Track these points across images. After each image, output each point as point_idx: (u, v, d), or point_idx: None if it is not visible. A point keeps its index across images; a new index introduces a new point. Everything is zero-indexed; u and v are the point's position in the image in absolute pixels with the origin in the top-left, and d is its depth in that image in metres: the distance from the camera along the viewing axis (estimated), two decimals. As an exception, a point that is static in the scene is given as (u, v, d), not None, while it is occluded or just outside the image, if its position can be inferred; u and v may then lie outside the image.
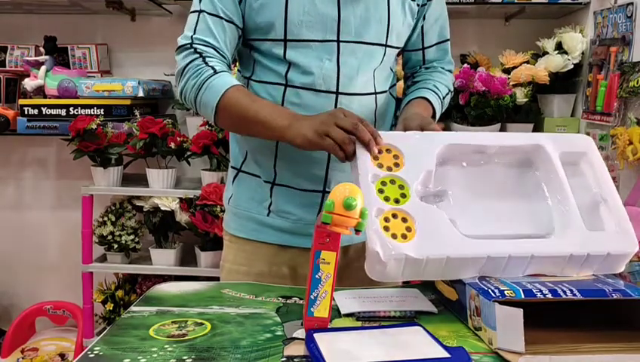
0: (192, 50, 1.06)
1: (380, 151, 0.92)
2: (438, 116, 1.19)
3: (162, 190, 2.14)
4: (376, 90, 1.13)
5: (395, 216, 0.85)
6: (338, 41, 1.07)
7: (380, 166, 0.91)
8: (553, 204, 0.90)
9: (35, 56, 2.29)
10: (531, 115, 2.18)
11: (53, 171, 2.51)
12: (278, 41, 1.07)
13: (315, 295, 0.81)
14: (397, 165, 0.91)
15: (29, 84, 2.21)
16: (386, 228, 0.84)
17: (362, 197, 0.78)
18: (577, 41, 2.07)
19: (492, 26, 2.36)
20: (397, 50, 1.17)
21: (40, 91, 2.22)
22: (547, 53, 2.13)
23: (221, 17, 1.06)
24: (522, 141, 0.96)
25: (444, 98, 1.20)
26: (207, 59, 1.05)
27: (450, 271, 0.85)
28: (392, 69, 1.20)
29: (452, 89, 1.24)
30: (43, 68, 2.19)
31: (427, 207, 0.87)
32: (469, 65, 2.14)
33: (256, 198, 1.16)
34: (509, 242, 0.85)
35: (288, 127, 0.97)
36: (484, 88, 2.04)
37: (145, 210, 2.18)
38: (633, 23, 1.79)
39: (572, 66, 2.09)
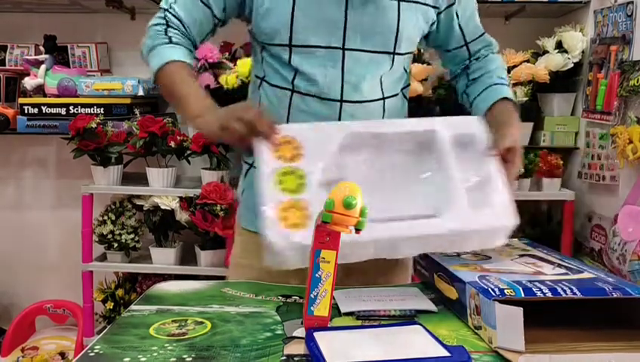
0: (163, 15, 1.10)
1: (280, 143, 0.94)
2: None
3: (162, 189, 2.13)
4: (385, 95, 1.12)
5: (293, 206, 0.88)
6: (343, 49, 1.06)
7: (280, 158, 0.93)
8: (443, 185, 0.96)
9: (35, 55, 2.29)
10: (531, 114, 2.18)
11: (53, 170, 2.51)
12: (284, 46, 1.07)
13: (315, 294, 0.81)
14: (297, 156, 0.93)
15: (28, 83, 2.21)
16: (285, 218, 0.87)
17: (362, 195, 0.78)
18: (577, 39, 2.07)
19: (492, 24, 2.33)
20: (409, 55, 1.15)
21: (40, 90, 2.22)
22: (547, 52, 2.13)
23: (201, 0, 1.09)
24: (417, 127, 1.02)
25: (509, 83, 1.22)
26: (169, 29, 1.09)
27: (347, 254, 0.87)
28: (405, 70, 1.18)
29: (505, 66, 1.25)
30: (43, 67, 2.19)
31: (325, 195, 0.87)
32: (469, 64, 2.14)
33: None
34: (400, 224, 0.91)
35: (198, 117, 1.02)
36: (484, 87, 2.04)
37: (145, 208, 2.18)
38: (633, 21, 1.79)
39: (572, 65, 2.09)
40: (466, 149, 1.00)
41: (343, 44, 1.06)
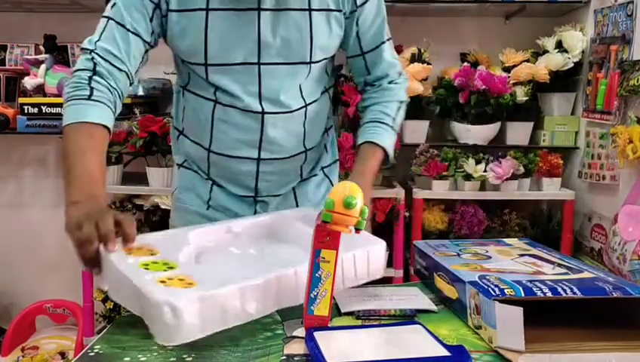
0: (90, 58, 1.02)
1: (130, 249, 0.87)
2: (393, 143, 1.19)
3: (162, 188, 2.13)
4: (307, 103, 1.13)
5: (170, 278, 0.77)
6: (259, 64, 1.06)
7: (135, 257, 0.85)
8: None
9: (35, 54, 2.28)
10: (531, 114, 2.18)
11: (53, 169, 2.51)
12: (201, 65, 1.07)
13: (315, 293, 0.81)
14: (153, 254, 0.86)
15: (28, 82, 2.21)
16: (167, 284, 0.76)
17: (362, 196, 0.78)
18: (577, 39, 2.07)
19: (492, 24, 2.36)
20: (326, 60, 1.14)
21: (40, 90, 2.22)
22: (547, 51, 2.13)
23: (127, 29, 1.03)
24: (266, 218, 1.05)
25: (395, 118, 1.19)
26: (94, 77, 1.01)
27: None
28: (327, 72, 1.18)
29: (404, 98, 1.22)
30: (43, 66, 2.19)
31: (198, 265, 0.87)
32: (469, 64, 2.14)
33: (197, 193, 1.20)
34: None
35: (71, 204, 0.91)
36: (484, 87, 2.04)
37: (145, 208, 2.18)
38: (633, 21, 1.79)
39: (572, 65, 2.09)
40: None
41: (259, 59, 1.06)
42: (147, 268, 0.80)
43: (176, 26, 1.05)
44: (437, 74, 2.24)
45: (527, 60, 2.15)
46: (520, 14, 2.26)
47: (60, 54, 2.31)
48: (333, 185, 1.22)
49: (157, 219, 2.17)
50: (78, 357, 0.77)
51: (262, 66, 1.07)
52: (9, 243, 2.49)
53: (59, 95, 2.19)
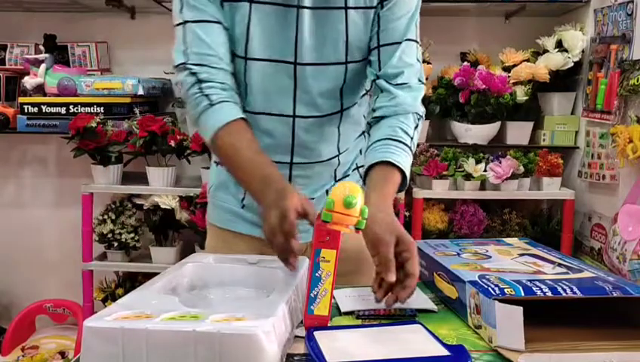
0: (188, 71, 1.02)
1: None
2: (410, 164, 1.04)
3: (162, 188, 2.14)
4: (343, 107, 1.11)
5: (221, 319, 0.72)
6: (295, 63, 1.05)
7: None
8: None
9: (35, 54, 2.28)
10: (531, 113, 2.18)
11: (53, 169, 2.51)
12: (241, 58, 1.06)
13: (315, 293, 0.80)
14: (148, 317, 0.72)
15: (28, 82, 2.21)
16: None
17: (362, 195, 0.78)
18: (577, 39, 2.07)
19: (492, 23, 2.36)
20: (364, 63, 1.10)
21: (40, 89, 2.22)
22: (547, 51, 2.13)
23: (208, 21, 1.01)
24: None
25: (413, 137, 1.06)
26: (203, 84, 1.00)
27: None
28: (364, 77, 1.13)
29: (422, 110, 1.08)
30: (43, 66, 2.19)
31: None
32: (469, 63, 2.14)
33: (232, 191, 1.18)
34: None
35: (255, 199, 0.96)
36: (484, 86, 2.04)
37: (145, 208, 2.18)
38: (633, 20, 1.79)
39: (572, 64, 2.09)
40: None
41: (295, 59, 1.05)
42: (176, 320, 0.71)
43: (227, 15, 1.04)
44: (437, 73, 2.24)
45: (527, 60, 2.15)
46: (520, 14, 2.26)
47: (59, 54, 2.32)
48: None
49: (157, 219, 2.18)
50: (78, 356, 0.77)
51: (298, 66, 1.05)
52: (9, 243, 2.49)
53: (59, 95, 2.19)
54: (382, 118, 1.06)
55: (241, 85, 1.08)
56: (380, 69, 1.07)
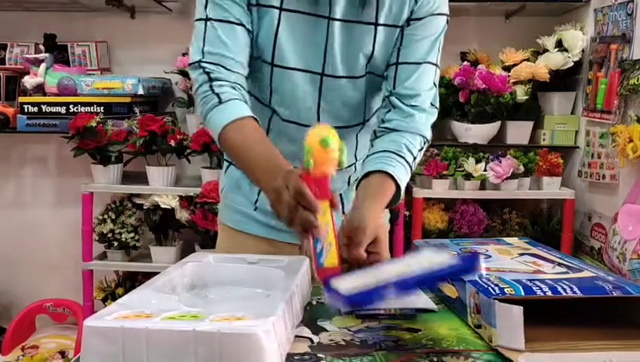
0: (201, 70, 1.01)
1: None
2: (406, 182, 1.03)
3: (162, 188, 2.14)
4: (366, 118, 1.12)
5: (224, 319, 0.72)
6: (323, 75, 1.05)
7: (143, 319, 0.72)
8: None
9: (35, 53, 2.28)
10: (531, 113, 2.18)
11: (53, 169, 2.51)
12: (267, 63, 1.06)
13: (320, 247, 0.82)
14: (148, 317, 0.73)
15: (28, 81, 2.21)
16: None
17: (335, 134, 0.80)
18: (578, 38, 2.07)
19: (492, 23, 2.36)
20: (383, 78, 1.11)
21: (40, 89, 2.22)
22: (547, 50, 2.13)
23: (232, 22, 1.00)
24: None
25: (416, 158, 1.05)
26: (214, 83, 1.00)
27: None
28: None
29: (429, 136, 1.08)
30: (43, 65, 2.19)
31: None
32: (469, 63, 2.14)
33: (244, 193, 1.18)
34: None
35: (261, 186, 0.95)
36: (484, 86, 2.04)
37: (145, 207, 2.18)
38: (633, 20, 1.79)
39: (572, 64, 2.09)
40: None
41: (323, 70, 1.05)
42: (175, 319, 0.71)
43: (254, 19, 1.03)
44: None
45: (527, 59, 2.15)
46: (520, 13, 2.26)
47: (59, 53, 2.32)
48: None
49: (157, 219, 2.18)
50: (78, 356, 0.77)
51: (324, 78, 1.05)
52: (9, 242, 2.50)
53: (59, 94, 2.19)
54: (390, 131, 1.06)
55: (265, 90, 1.08)
56: (394, 87, 1.06)
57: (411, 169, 1.04)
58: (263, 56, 1.05)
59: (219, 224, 1.25)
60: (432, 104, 1.09)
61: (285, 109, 1.09)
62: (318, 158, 0.78)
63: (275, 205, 0.86)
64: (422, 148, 1.07)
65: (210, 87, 1.00)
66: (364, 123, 1.13)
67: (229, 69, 1.01)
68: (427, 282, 0.77)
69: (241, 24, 1.01)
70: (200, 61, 1.01)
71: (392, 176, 0.98)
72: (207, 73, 1.00)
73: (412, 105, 1.06)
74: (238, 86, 1.02)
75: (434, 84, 1.09)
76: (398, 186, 0.99)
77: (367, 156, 1.05)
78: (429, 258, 0.78)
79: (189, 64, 1.04)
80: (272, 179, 0.88)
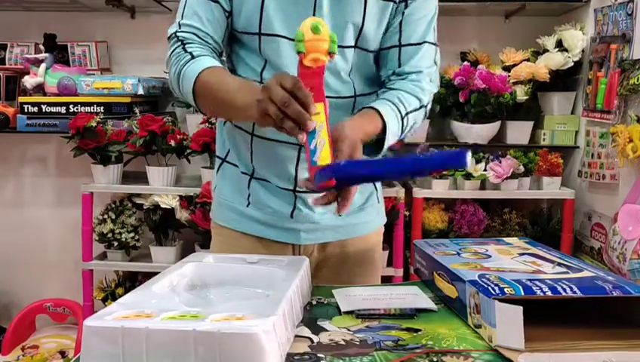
0: (176, 38, 1.07)
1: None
2: (395, 133, 1.05)
3: (162, 188, 2.14)
4: (356, 93, 1.12)
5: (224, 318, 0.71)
6: None
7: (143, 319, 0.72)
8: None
9: (35, 53, 2.28)
10: (531, 113, 2.18)
11: (53, 169, 2.51)
12: (254, 34, 1.07)
13: (314, 145, 0.85)
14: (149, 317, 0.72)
15: (28, 81, 2.21)
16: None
17: (326, 25, 0.84)
18: (577, 38, 2.07)
19: (492, 23, 2.36)
20: (373, 54, 1.12)
21: (40, 89, 2.22)
22: (547, 50, 2.13)
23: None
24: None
25: (408, 113, 1.07)
26: (187, 45, 1.05)
27: None
28: (375, 70, 1.15)
29: (427, 101, 1.11)
30: (43, 65, 2.19)
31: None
32: (469, 63, 2.14)
33: (237, 189, 1.18)
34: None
35: (245, 108, 0.93)
36: (484, 86, 2.04)
37: (145, 207, 2.18)
38: (633, 20, 1.79)
39: (572, 64, 2.09)
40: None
41: None
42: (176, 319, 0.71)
43: None
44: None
45: (527, 59, 2.15)
46: (520, 13, 2.26)
47: (59, 53, 2.32)
48: (377, 190, 1.21)
49: (157, 219, 2.18)
50: (78, 356, 0.77)
51: None
52: (9, 242, 2.50)
53: (59, 94, 2.19)
54: (389, 90, 1.10)
55: (258, 60, 1.09)
56: (399, 65, 1.11)
57: (402, 120, 1.06)
58: (250, 28, 1.07)
59: (212, 225, 1.25)
60: (431, 80, 1.13)
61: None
62: (310, 44, 0.81)
63: (263, 107, 0.86)
64: (417, 110, 1.09)
65: (183, 47, 1.05)
66: (355, 97, 1.11)
67: (201, 39, 1.07)
68: (416, 166, 0.85)
69: (217, 1, 1.06)
70: (175, 32, 1.08)
71: (378, 111, 1.01)
72: (181, 40, 1.06)
73: (413, 80, 1.10)
74: (210, 49, 1.07)
75: (434, 62, 1.14)
76: (384, 123, 1.01)
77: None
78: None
79: (168, 38, 1.10)
80: (255, 91, 0.91)
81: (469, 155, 0.78)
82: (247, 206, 1.16)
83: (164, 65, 2.45)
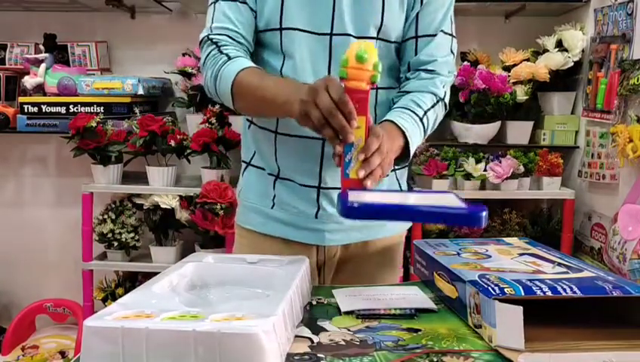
0: (210, 41, 1.08)
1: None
2: (418, 138, 1.06)
3: (162, 188, 2.14)
4: (378, 86, 1.10)
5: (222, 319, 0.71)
6: (331, 34, 1.06)
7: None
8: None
9: (35, 53, 2.28)
10: (531, 113, 2.18)
11: (53, 169, 2.51)
12: (276, 30, 1.08)
13: (350, 158, 0.87)
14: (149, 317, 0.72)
15: (28, 81, 2.21)
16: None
17: (375, 53, 0.84)
18: (578, 38, 2.07)
19: (492, 23, 2.36)
20: (395, 45, 1.13)
21: (40, 89, 2.22)
22: (547, 50, 2.13)
23: (235, 0, 1.08)
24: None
25: (426, 112, 1.08)
26: (222, 47, 1.06)
27: None
28: (396, 61, 1.15)
29: (443, 94, 1.11)
30: (43, 65, 2.19)
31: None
32: (469, 63, 2.14)
33: (262, 191, 1.17)
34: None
35: (286, 104, 0.94)
36: (484, 86, 2.04)
37: (145, 207, 2.18)
38: (633, 20, 1.79)
39: (572, 64, 2.09)
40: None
41: (331, 30, 1.06)
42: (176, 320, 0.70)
43: None
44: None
45: (527, 59, 2.15)
46: (520, 13, 2.26)
47: (59, 53, 2.32)
48: (401, 190, 1.20)
49: (157, 219, 2.18)
50: (78, 356, 0.77)
51: (333, 37, 1.06)
52: (9, 242, 2.50)
53: (59, 94, 2.19)
54: (403, 94, 1.10)
55: (278, 57, 1.10)
56: (413, 57, 1.12)
57: (422, 122, 1.06)
58: (271, 24, 1.08)
59: (236, 229, 1.25)
60: (448, 72, 1.14)
61: (300, 70, 1.08)
62: (352, 72, 0.83)
63: (306, 109, 0.89)
64: (435, 105, 1.10)
65: (219, 49, 1.06)
66: (377, 90, 1.11)
67: (234, 39, 1.08)
68: (431, 217, 0.87)
69: (245, 2, 1.08)
70: (208, 36, 1.09)
71: (396, 125, 1.02)
72: (215, 42, 1.07)
73: (428, 70, 1.11)
74: (245, 50, 1.08)
75: (450, 51, 1.14)
76: (405, 138, 1.02)
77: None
78: (441, 197, 0.86)
79: (199, 43, 1.11)
80: (297, 88, 0.93)
81: (485, 214, 0.79)
82: (272, 208, 1.16)
83: (165, 65, 2.45)
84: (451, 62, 1.14)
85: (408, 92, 1.10)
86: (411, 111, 1.06)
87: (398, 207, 0.86)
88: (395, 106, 1.08)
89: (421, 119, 1.06)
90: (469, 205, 0.81)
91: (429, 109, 1.08)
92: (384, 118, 1.05)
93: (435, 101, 1.10)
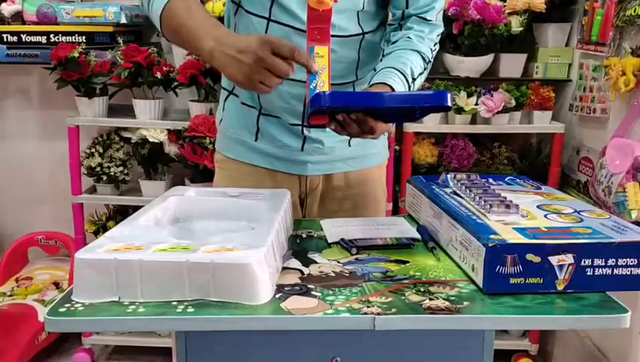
0: None
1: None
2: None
3: (150, 121, 2.10)
4: (364, 31, 1.09)
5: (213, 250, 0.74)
6: None
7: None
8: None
9: (11, -21, 2.18)
10: (525, 45, 2.14)
11: (36, 101, 2.45)
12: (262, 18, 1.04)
13: (314, 85, 0.89)
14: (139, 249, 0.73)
15: (6, 9, 2.12)
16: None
17: None
18: (576, -34, 2.00)
19: (489, -51, 2.27)
20: None
21: (18, 17, 2.14)
22: (544, -21, 2.06)
23: None
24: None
25: (415, 79, 1.08)
26: None
27: None
28: (382, 6, 1.14)
29: (431, 57, 1.12)
30: (20, -8, 2.09)
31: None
32: (463, -8, 2.08)
33: (245, 124, 1.16)
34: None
35: (211, 54, 0.93)
36: (478, 17, 1.99)
37: (133, 141, 2.15)
38: (635, -53, 1.72)
39: (569, -6, 2.03)
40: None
41: None
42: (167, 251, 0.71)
43: None
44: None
45: (524, -11, 2.09)
46: (518, -61, 2.17)
47: (37, -21, 2.21)
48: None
49: (145, 153, 2.16)
50: (72, 286, 0.78)
51: None
52: (-4, 176, 2.48)
53: (38, 22, 2.10)
54: (393, 51, 1.08)
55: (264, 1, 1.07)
56: (407, 7, 1.10)
57: (409, 87, 1.06)
58: (255, 10, 1.05)
59: (217, 158, 1.23)
60: (437, 19, 1.13)
61: (285, 18, 1.05)
62: None
63: (250, 75, 0.89)
64: (422, 72, 1.10)
65: None
66: (363, 35, 1.10)
67: None
68: (400, 100, 0.90)
69: None
70: None
71: (392, 88, 1.01)
72: None
73: (425, 20, 1.10)
74: None
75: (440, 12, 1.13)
76: None
77: (374, 73, 1.07)
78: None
79: None
80: (230, 36, 0.93)
81: (449, 97, 0.84)
82: (256, 140, 1.15)
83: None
84: (441, 10, 1.13)
85: (401, 49, 1.08)
86: (404, 76, 1.04)
87: (367, 94, 0.91)
88: (388, 65, 1.05)
89: (409, 86, 1.06)
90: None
91: (417, 76, 1.08)
92: (378, 80, 1.02)
93: (424, 67, 1.10)
